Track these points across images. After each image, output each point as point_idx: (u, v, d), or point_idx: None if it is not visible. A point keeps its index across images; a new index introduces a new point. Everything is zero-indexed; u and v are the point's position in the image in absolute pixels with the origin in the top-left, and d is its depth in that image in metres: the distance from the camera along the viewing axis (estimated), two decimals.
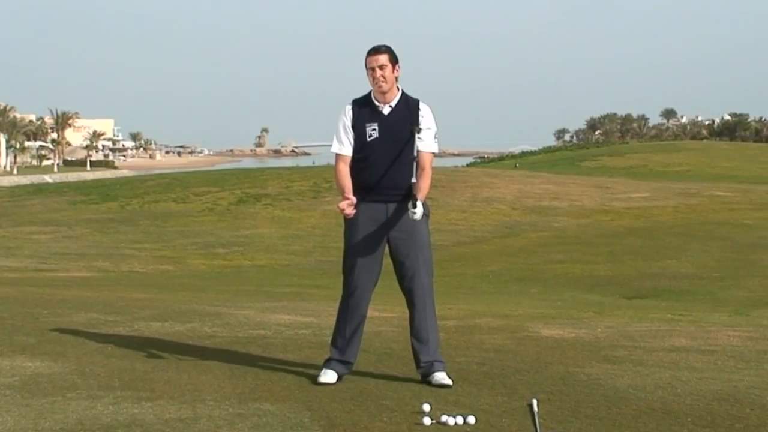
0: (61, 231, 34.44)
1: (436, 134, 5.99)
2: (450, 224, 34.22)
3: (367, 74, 5.91)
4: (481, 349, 7.31)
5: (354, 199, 5.79)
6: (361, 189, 5.87)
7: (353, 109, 5.96)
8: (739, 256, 24.03)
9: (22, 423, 4.91)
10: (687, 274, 20.72)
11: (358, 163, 5.92)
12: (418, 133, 5.84)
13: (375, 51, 5.89)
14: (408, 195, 5.82)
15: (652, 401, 5.50)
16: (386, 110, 5.93)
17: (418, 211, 5.66)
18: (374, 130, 5.89)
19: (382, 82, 5.86)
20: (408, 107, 5.95)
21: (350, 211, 5.79)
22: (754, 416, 5.19)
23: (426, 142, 5.90)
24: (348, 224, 5.95)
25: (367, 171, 5.86)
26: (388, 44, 5.95)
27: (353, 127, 5.93)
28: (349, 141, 5.94)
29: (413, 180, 5.75)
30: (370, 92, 5.98)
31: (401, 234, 5.88)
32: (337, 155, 5.98)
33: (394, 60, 5.90)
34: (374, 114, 5.92)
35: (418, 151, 5.82)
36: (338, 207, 5.84)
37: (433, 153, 5.98)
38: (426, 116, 5.95)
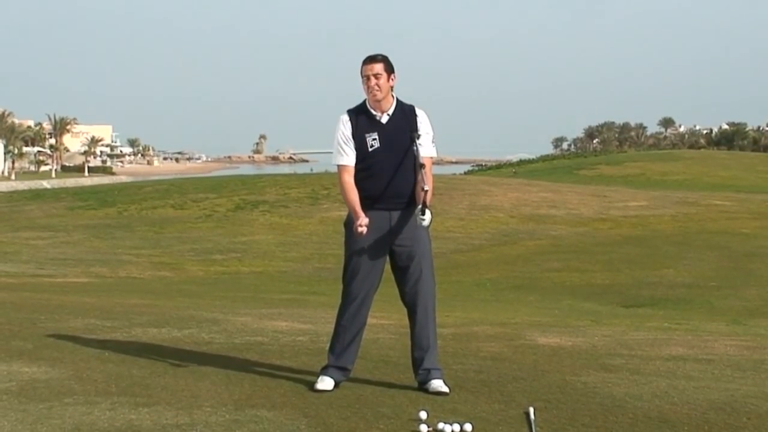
0: (58, 236, 34.40)
1: (433, 138, 6.01)
2: (447, 232, 34.23)
3: (362, 82, 5.90)
4: (478, 356, 7.31)
5: (366, 219, 5.73)
6: (364, 199, 5.86)
7: (351, 119, 5.95)
8: (736, 265, 24.05)
9: (19, 428, 4.91)
10: (684, 283, 20.74)
11: (359, 173, 5.90)
12: (418, 139, 5.85)
13: (370, 60, 5.88)
14: (411, 201, 5.85)
15: (648, 410, 5.50)
16: (384, 119, 5.92)
17: (427, 218, 5.68)
18: (375, 140, 5.88)
19: (377, 90, 5.85)
20: (404, 114, 5.95)
21: (365, 231, 5.73)
22: (750, 426, 5.19)
23: (425, 147, 5.91)
24: (350, 232, 5.94)
25: (370, 181, 5.85)
26: (384, 53, 5.94)
27: (353, 137, 5.92)
28: (352, 151, 5.91)
29: (426, 187, 5.69)
30: (364, 101, 5.96)
31: (404, 241, 5.89)
32: (341, 167, 5.93)
33: (389, 69, 5.89)
34: (373, 124, 5.91)
35: (421, 157, 5.83)
36: (357, 231, 5.73)
37: (432, 157, 6.00)
38: (423, 121, 5.96)
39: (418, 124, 5.92)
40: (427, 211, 5.67)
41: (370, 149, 5.88)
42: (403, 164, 5.86)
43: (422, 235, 5.91)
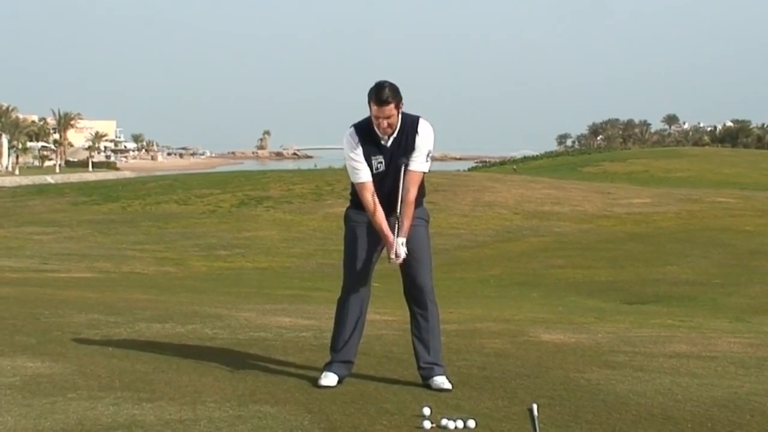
0: (62, 232, 34.44)
1: (429, 153, 5.93)
2: (451, 228, 34.23)
3: (370, 113, 5.78)
4: (481, 353, 7.31)
5: (403, 252, 5.78)
6: (360, 204, 5.92)
7: (359, 140, 5.86)
8: (740, 262, 24.04)
9: (22, 423, 4.92)
10: (688, 280, 20.72)
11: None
12: (407, 164, 5.82)
13: (382, 102, 5.70)
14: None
15: (652, 407, 5.50)
16: (389, 142, 5.88)
17: (402, 255, 5.76)
18: (380, 163, 5.88)
19: (388, 129, 5.81)
20: (405, 131, 5.87)
21: (401, 258, 5.80)
22: (754, 423, 5.19)
23: (416, 163, 5.88)
24: (349, 226, 6.00)
25: None
26: (392, 83, 5.75)
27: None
28: (366, 166, 5.86)
29: (398, 216, 5.75)
30: (370, 119, 5.84)
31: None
32: (360, 185, 5.87)
33: (398, 102, 5.77)
34: (378, 146, 5.86)
35: (411, 172, 5.84)
36: (393, 261, 5.81)
37: (423, 172, 5.93)
38: (423, 137, 5.88)
39: (416, 143, 5.85)
40: (404, 249, 5.76)
41: (375, 171, 5.88)
42: (400, 180, 5.85)
43: (420, 231, 5.94)
